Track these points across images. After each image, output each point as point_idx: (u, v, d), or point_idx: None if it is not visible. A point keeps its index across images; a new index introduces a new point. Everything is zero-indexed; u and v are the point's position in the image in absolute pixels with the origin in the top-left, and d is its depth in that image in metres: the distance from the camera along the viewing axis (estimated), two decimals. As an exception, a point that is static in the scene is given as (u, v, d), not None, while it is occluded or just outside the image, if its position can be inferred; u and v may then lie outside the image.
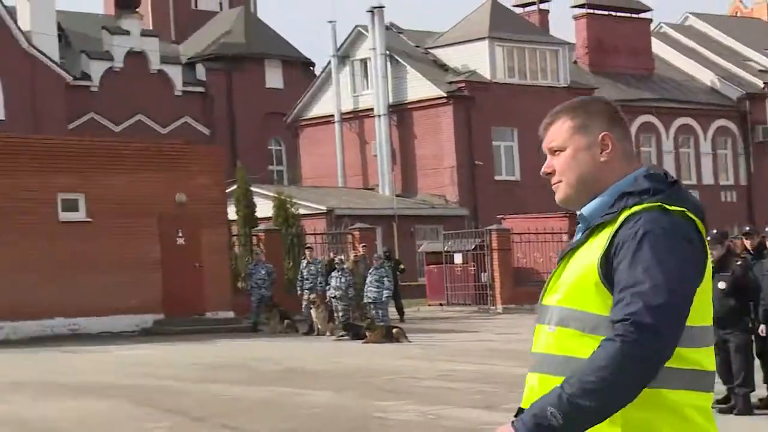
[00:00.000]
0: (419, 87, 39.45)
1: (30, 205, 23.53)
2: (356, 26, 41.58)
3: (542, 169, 2.80)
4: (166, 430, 10.77)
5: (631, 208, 2.62)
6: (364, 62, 41.02)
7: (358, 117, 40.61)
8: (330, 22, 42.33)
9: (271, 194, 31.41)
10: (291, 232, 29.93)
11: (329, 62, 42.01)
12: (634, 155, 2.84)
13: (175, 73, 46.10)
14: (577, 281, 2.62)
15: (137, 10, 46.09)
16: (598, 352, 2.46)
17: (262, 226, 29.81)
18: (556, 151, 2.78)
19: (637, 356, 2.44)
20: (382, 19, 39.94)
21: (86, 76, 43.77)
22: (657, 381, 2.50)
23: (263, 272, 24.79)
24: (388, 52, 39.69)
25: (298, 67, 48.53)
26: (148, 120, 44.35)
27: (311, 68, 49.15)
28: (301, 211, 31.90)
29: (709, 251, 2.68)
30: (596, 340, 2.53)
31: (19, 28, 40.72)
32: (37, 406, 12.66)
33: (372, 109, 39.62)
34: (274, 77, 47.04)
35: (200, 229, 25.87)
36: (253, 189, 31.25)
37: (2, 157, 23.73)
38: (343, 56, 41.55)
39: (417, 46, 41.47)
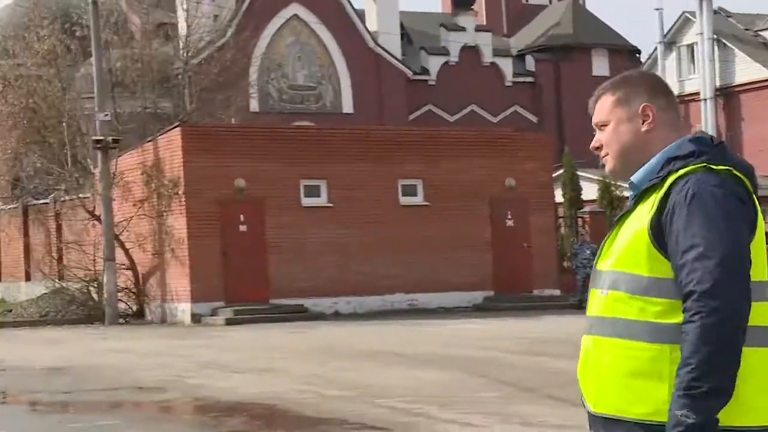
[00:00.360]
0: (748, 69, 38.17)
1: (375, 192, 24.98)
2: (683, 12, 40.85)
3: (591, 144, 2.86)
4: (499, 399, 10.94)
5: (677, 171, 2.62)
6: (690, 47, 40.33)
7: (683, 101, 39.88)
8: (657, 9, 41.85)
9: (597, 178, 31.63)
10: (615, 214, 30.13)
11: (655, 49, 41.67)
12: (679, 124, 2.85)
13: (506, 65, 47.04)
14: (628, 246, 2.64)
15: (472, 7, 47.54)
16: (689, 338, 2.46)
17: (587, 209, 30.29)
18: (602, 126, 2.81)
19: (722, 321, 2.45)
20: (710, 5, 39.03)
21: (425, 71, 45.57)
22: None
23: (588, 252, 24.90)
24: (715, 36, 38.74)
25: (624, 55, 47.97)
26: (480, 110, 45.50)
27: (637, 55, 48.57)
28: (625, 193, 31.87)
29: (759, 208, 2.63)
30: (645, 301, 2.58)
31: (366, 29, 43.29)
32: (380, 374, 13.24)
33: (698, 93, 38.88)
34: (600, 66, 46.84)
35: (528, 211, 26.47)
36: (579, 173, 31.60)
37: (350, 147, 25.45)
38: (670, 42, 41.04)
39: (746, 29, 40.11)
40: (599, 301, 2.71)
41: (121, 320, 24.26)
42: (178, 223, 23.91)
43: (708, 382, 2.43)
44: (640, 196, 2.70)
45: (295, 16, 41.95)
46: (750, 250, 2.55)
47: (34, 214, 30.34)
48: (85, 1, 29.21)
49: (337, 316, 23.78)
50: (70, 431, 10.32)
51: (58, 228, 28.79)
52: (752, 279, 2.53)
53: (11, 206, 31.34)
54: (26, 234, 30.45)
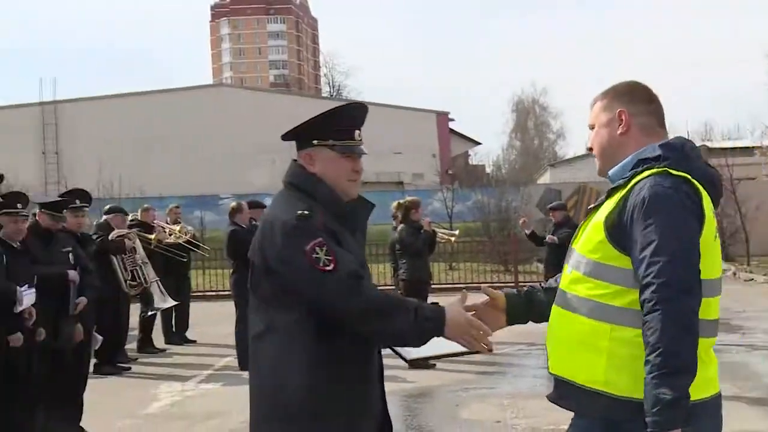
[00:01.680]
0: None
1: None
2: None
3: (586, 145, 3.44)
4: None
5: (642, 173, 3.05)
6: None
7: None
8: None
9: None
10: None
11: None
12: (655, 129, 3.23)
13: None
14: (589, 233, 3.12)
15: None
16: (653, 325, 2.86)
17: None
18: (592, 129, 3.31)
19: (680, 308, 2.86)
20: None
21: None
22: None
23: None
24: None
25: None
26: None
27: None
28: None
29: (708, 214, 3.02)
30: (594, 283, 3.06)
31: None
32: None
33: None
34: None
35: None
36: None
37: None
38: None
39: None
40: (564, 277, 3.23)
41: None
42: None
43: (676, 362, 2.84)
44: (610, 192, 3.15)
45: None
46: (698, 245, 2.96)
47: None
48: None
49: None
50: None
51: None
52: (703, 277, 2.94)
53: None
54: None
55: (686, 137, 3.26)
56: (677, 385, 2.83)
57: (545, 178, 52.54)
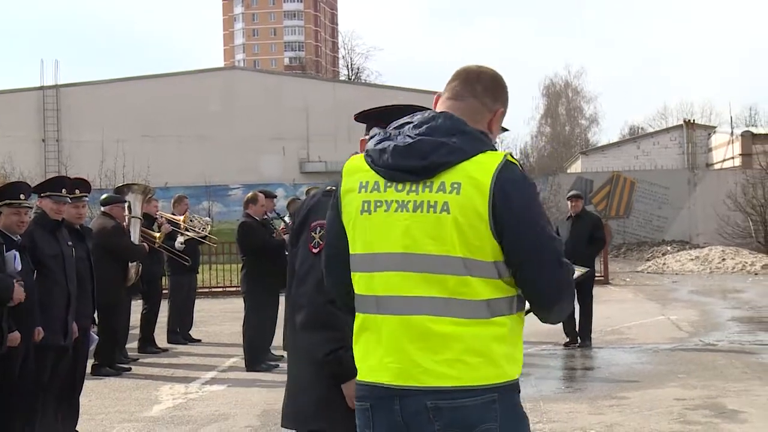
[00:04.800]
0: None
1: None
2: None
3: None
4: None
5: None
6: None
7: None
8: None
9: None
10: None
11: None
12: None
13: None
14: None
15: None
16: None
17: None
18: None
19: None
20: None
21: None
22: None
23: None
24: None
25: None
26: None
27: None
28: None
29: (345, 193, 3.17)
30: None
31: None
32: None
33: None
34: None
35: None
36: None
37: None
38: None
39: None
40: None
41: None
42: None
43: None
44: None
45: None
46: (331, 234, 3.27)
47: None
48: None
49: None
50: None
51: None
52: (352, 252, 3.13)
53: None
54: None
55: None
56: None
57: (576, 167, 52.35)
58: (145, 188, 13.86)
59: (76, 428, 8.57)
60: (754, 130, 47.46)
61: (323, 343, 3.73)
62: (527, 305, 3.15)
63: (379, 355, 3.07)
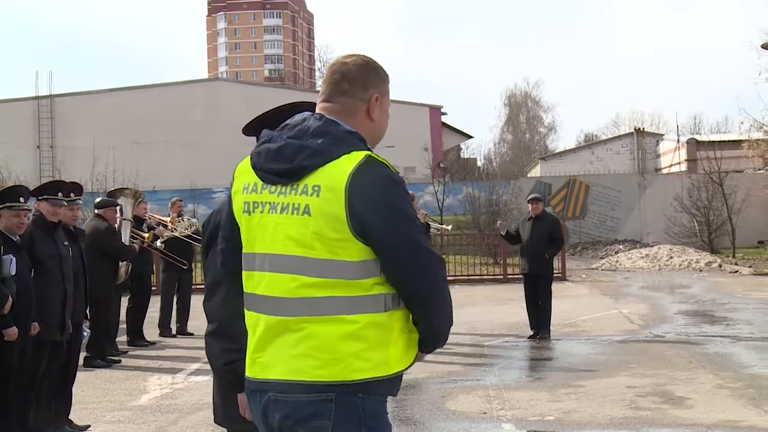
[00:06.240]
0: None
1: None
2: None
3: None
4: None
5: None
6: None
7: None
8: None
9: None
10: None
11: None
12: None
13: None
14: None
15: None
16: None
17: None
18: None
19: None
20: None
21: None
22: None
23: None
24: None
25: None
26: None
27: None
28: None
29: (235, 192, 3.13)
30: None
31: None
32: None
33: None
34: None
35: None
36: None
37: None
38: None
39: None
40: None
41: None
42: None
43: None
44: None
45: None
46: (224, 241, 3.28)
47: None
48: None
49: None
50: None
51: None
52: (245, 250, 3.04)
53: None
54: None
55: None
56: None
57: (536, 172, 52.51)
58: (136, 193, 13.78)
59: (69, 417, 8.51)
60: (698, 137, 47.76)
61: (222, 354, 3.59)
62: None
63: (251, 351, 3.02)
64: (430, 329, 2.99)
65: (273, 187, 2.96)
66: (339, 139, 2.92)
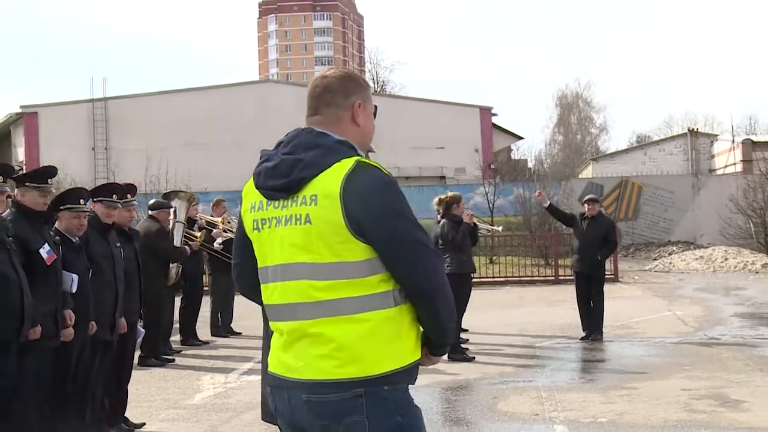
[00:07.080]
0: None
1: None
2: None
3: None
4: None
5: None
6: None
7: None
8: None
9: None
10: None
11: None
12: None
13: None
14: None
15: None
16: None
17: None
18: None
19: None
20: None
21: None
22: None
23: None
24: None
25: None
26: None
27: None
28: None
29: (244, 212, 3.26)
30: None
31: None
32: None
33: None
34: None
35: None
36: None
37: None
38: None
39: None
40: None
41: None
42: None
43: None
44: None
45: None
46: (239, 244, 3.37)
47: None
48: None
49: None
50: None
51: None
52: (260, 265, 3.21)
53: None
54: None
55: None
56: None
57: (587, 173, 52.13)
58: (191, 196, 13.89)
59: (125, 415, 8.61)
60: (754, 138, 47.13)
61: None
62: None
63: (275, 350, 3.19)
64: (437, 323, 3.11)
65: (276, 203, 3.13)
66: (330, 149, 3.08)
